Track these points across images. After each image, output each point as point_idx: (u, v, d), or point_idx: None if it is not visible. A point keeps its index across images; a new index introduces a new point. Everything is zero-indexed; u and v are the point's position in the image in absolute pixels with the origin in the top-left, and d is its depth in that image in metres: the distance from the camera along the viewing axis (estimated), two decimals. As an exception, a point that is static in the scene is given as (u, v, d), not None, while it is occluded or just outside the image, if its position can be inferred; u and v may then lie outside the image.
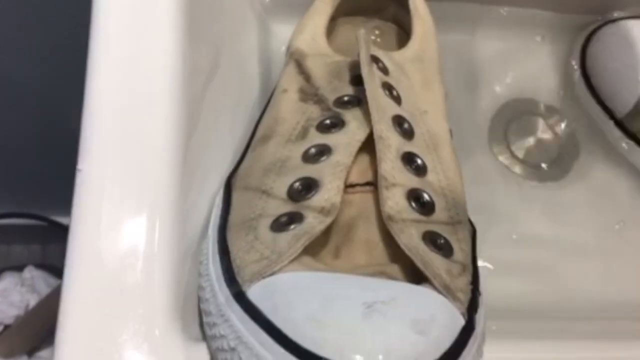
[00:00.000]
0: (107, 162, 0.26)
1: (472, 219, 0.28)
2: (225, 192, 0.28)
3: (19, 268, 0.87)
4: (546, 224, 0.38)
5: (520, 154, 0.40)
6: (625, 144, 0.40)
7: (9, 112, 0.73)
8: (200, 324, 0.26)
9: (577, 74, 0.41)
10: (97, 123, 0.26)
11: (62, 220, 0.84)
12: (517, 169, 0.39)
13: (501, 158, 0.40)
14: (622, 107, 0.39)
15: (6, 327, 0.82)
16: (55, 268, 0.88)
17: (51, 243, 0.89)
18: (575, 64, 0.41)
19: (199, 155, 0.29)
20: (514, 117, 0.41)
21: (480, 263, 0.26)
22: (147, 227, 0.25)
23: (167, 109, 0.27)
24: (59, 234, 0.83)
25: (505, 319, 0.28)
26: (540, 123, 0.41)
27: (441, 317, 0.21)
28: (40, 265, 0.87)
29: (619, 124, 0.39)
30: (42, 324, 0.81)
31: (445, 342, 0.20)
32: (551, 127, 0.41)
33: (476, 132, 0.40)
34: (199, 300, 0.24)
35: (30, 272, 0.86)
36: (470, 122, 0.40)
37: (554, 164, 0.40)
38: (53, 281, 0.86)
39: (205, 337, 0.24)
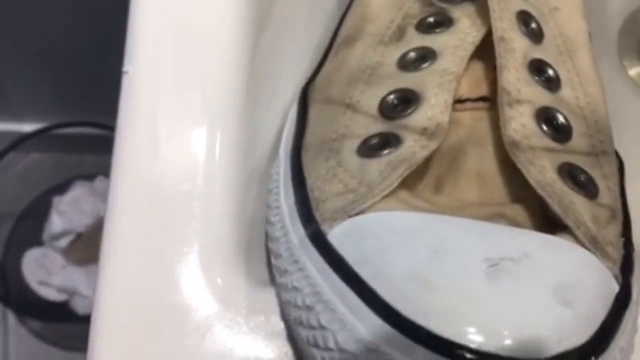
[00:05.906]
0: (159, 62, 0.22)
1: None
2: (301, 106, 0.23)
3: (90, 177, 0.87)
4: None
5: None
6: None
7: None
8: (267, 263, 0.22)
9: None
10: (147, 16, 0.23)
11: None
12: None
13: (632, 73, 0.34)
14: None
15: (79, 235, 0.83)
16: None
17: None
18: None
19: (270, 58, 0.25)
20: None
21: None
22: (206, 144, 0.22)
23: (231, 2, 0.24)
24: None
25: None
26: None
27: (591, 281, 0.16)
28: (111, 176, 0.88)
29: None
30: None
31: (598, 315, 0.15)
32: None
33: (603, 41, 0.34)
34: (267, 237, 0.20)
35: (101, 182, 0.87)
36: (595, 29, 0.33)
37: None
38: (123, 192, 0.86)
39: (274, 282, 0.20)
